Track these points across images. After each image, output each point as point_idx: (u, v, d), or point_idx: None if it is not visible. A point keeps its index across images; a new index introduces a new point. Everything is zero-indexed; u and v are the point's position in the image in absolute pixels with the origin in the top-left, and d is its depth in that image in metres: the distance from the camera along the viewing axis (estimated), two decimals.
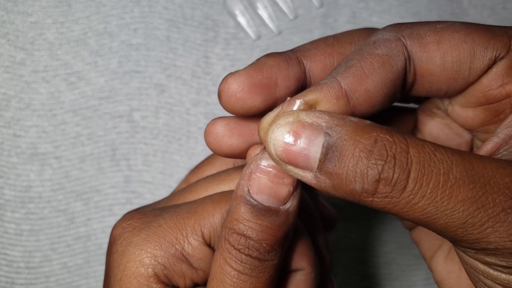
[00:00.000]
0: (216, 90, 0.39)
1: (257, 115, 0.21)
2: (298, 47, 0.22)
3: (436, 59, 0.21)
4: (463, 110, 0.23)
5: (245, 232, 0.20)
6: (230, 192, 0.22)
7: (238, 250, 0.20)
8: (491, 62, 0.21)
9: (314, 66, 0.22)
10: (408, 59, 0.21)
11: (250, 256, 0.20)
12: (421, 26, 0.21)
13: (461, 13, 0.40)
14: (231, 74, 0.21)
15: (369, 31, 0.23)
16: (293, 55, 0.22)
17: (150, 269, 0.22)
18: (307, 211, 0.25)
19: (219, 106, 0.39)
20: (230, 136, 0.23)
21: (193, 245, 0.22)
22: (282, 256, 0.21)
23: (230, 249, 0.20)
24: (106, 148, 0.39)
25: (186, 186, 0.25)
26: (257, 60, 0.21)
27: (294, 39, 0.40)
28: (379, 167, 0.17)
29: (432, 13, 0.40)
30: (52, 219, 0.38)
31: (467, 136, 0.24)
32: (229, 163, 0.26)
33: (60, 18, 0.39)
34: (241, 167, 0.25)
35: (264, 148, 0.20)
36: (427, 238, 0.27)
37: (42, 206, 0.38)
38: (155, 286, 0.22)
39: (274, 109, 0.20)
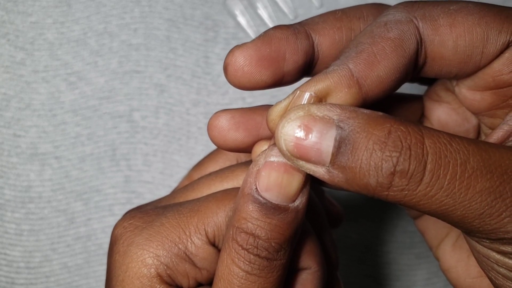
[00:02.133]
0: (216, 90, 0.39)
1: (263, 88, 0.21)
2: (306, 20, 0.21)
3: (448, 43, 0.20)
4: (470, 93, 0.22)
5: (253, 231, 0.19)
6: (235, 190, 0.22)
7: (247, 250, 0.20)
8: (504, 46, 0.20)
9: (322, 40, 0.21)
10: (420, 42, 0.20)
11: (258, 256, 0.20)
12: (434, 6, 0.20)
13: None
14: (237, 46, 0.20)
15: (378, 7, 0.22)
16: (302, 28, 0.21)
17: (152, 270, 0.21)
18: (313, 209, 0.25)
19: (219, 107, 0.39)
20: (235, 129, 0.22)
21: (196, 245, 0.21)
22: (291, 254, 0.21)
23: (238, 249, 0.20)
24: (106, 148, 0.39)
25: (188, 183, 0.25)
26: (265, 32, 0.20)
27: None
28: (394, 159, 0.17)
29: None
30: (52, 219, 0.38)
31: (474, 121, 0.24)
32: (232, 159, 0.26)
33: (60, 18, 0.39)
34: (245, 163, 0.24)
35: (273, 144, 0.20)
36: (434, 227, 0.26)
37: (42, 206, 0.38)
38: (158, 286, 0.21)
39: (282, 100, 0.20)
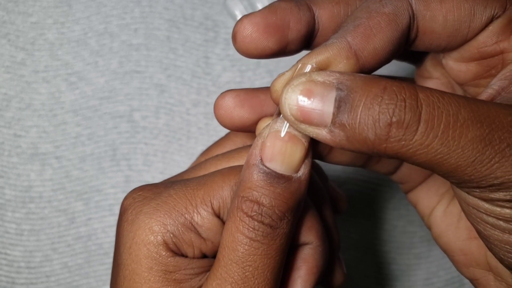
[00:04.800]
0: (217, 90, 0.39)
1: (268, 56, 0.22)
2: None
3: (438, 18, 0.21)
4: (457, 64, 0.24)
5: (258, 199, 0.20)
6: (239, 166, 0.23)
7: (251, 217, 0.20)
8: (488, 20, 0.22)
9: (322, 13, 0.22)
10: (412, 17, 0.21)
11: (262, 222, 0.21)
12: None
13: None
14: (245, 16, 0.21)
15: None
16: (303, 2, 0.22)
17: (159, 237, 0.22)
18: (314, 187, 0.25)
19: None
20: (240, 107, 0.23)
21: (202, 216, 0.22)
22: (293, 226, 0.22)
23: (243, 216, 0.21)
24: (106, 148, 0.39)
25: (195, 165, 0.25)
26: (271, 3, 0.22)
27: None
28: (390, 111, 0.18)
29: None
30: (53, 219, 0.39)
31: (460, 92, 0.25)
32: (238, 145, 0.27)
33: (61, 18, 0.39)
34: (250, 146, 0.25)
35: (277, 116, 0.21)
36: (426, 195, 0.27)
37: (42, 206, 0.38)
38: (164, 253, 0.22)
39: (284, 72, 0.21)
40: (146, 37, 0.39)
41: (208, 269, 0.23)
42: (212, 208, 0.22)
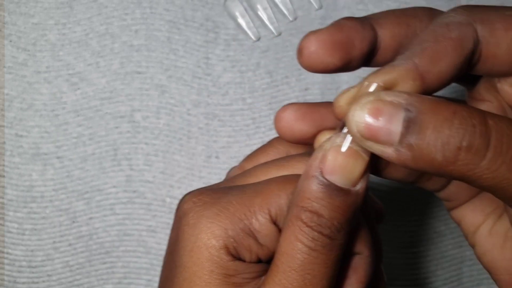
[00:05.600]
0: (217, 91, 0.40)
1: (330, 72, 0.23)
2: (369, 15, 0.24)
3: (502, 45, 0.22)
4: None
5: (318, 210, 0.21)
6: (295, 176, 0.23)
7: (311, 227, 0.21)
8: None
9: (384, 32, 0.23)
10: (477, 42, 0.22)
11: (321, 233, 0.21)
12: (491, 11, 0.22)
13: None
14: (312, 32, 0.22)
15: (430, 10, 0.24)
16: (367, 21, 0.23)
17: (221, 241, 0.22)
18: (366, 200, 0.26)
19: (220, 107, 0.39)
20: (302, 120, 0.24)
21: (260, 222, 0.23)
22: (348, 237, 0.22)
23: (302, 226, 0.21)
24: (107, 148, 0.39)
25: (245, 170, 0.26)
26: (337, 21, 0.23)
27: (293, 40, 0.40)
28: (460, 135, 0.19)
29: None
30: (54, 218, 0.39)
31: None
32: (282, 153, 0.27)
33: (62, 19, 0.39)
34: (298, 155, 0.26)
35: (339, 130, 0.21)
36: (471, 214, 0.28)
37: (44, 206, 0.39)
38: (225, 257, 0.22)
39: (349, 89, 0.21)
40: (147, 38, 0.39)
41: (262, 273, 0.23)
42: (270, 215, 0.23)
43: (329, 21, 0.40)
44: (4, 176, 0.38)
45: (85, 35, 0.39)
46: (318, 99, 0.40)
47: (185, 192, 0.39)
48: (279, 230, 0.23)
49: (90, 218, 0.39)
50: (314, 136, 0.24)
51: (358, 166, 0.21)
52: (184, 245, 0.23)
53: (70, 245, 0.39)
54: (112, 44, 0.39)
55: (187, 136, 0.40)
